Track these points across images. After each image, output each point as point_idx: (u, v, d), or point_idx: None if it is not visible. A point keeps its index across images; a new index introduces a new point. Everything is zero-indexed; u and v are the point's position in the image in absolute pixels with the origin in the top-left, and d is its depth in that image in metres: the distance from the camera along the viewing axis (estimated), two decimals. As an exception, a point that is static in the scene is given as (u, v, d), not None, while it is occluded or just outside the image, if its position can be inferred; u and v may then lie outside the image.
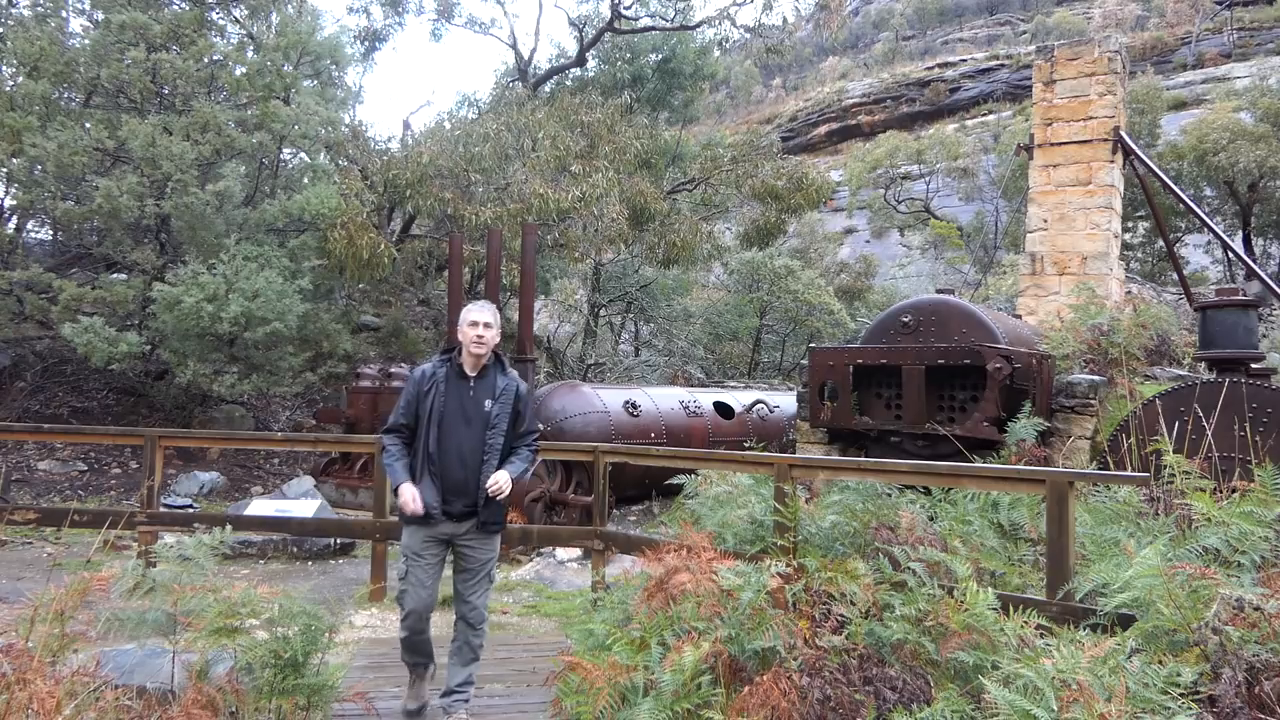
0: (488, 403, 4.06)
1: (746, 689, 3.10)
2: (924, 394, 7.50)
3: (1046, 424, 7.40)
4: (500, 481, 3.97)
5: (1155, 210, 14.41)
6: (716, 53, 24.72)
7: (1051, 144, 12.25)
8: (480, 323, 4.04)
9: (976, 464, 5.79)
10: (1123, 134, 11.95)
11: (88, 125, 11.88)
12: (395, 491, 4.04)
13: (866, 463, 5.33)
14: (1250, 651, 2.83)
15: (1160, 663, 2.78)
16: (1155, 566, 3.21)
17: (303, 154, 14.45)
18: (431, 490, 3.97)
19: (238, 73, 12.65)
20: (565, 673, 3.69)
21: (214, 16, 13.51)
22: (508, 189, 14.77)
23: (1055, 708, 2.51)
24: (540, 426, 10.19)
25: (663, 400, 11.72)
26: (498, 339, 4.11)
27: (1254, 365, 7.86)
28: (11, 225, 13.68)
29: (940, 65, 53.59)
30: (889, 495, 5.28)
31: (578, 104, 17.72)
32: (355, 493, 10.72)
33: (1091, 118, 12.00)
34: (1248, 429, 6.17)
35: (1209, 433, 5.93)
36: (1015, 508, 5.41)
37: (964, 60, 53.27)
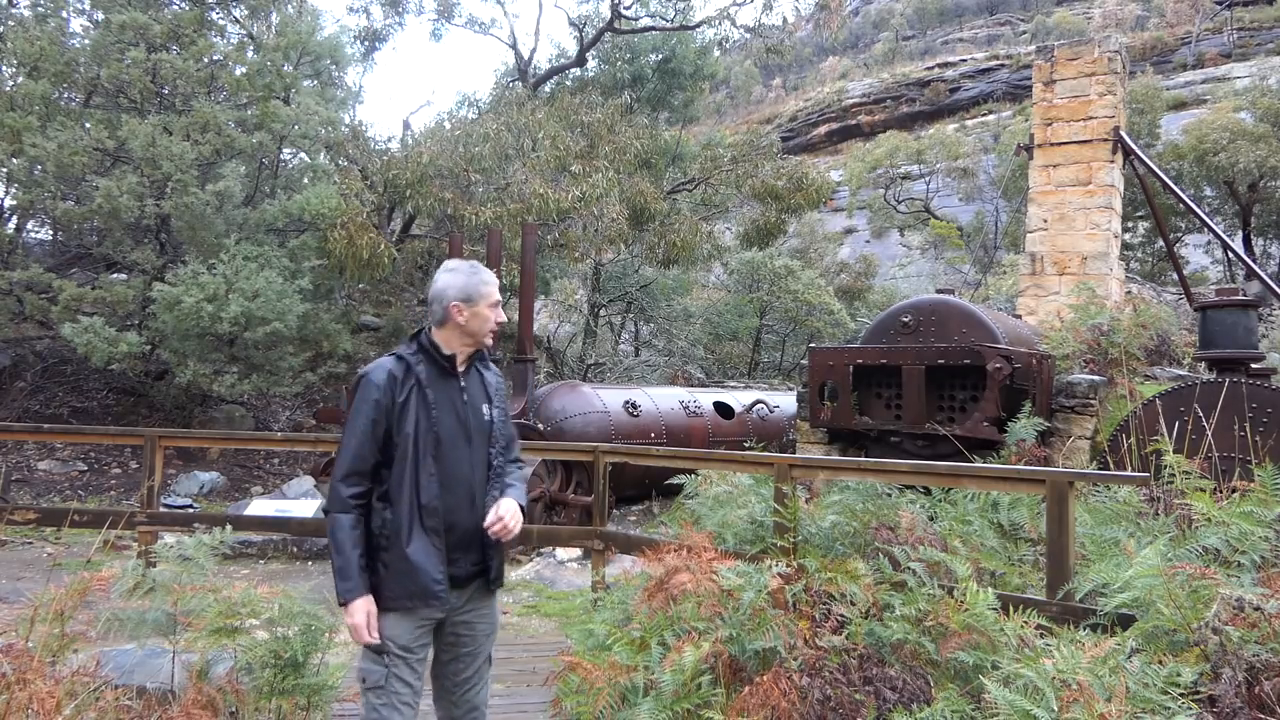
0: (485, 407, 2.86)
1: (746, 689, 3.10)
2: (924, 394, 7.51)
3: (1046, 424, 7.41)
4: (507, 515, 2.73)
5: (1155, 210, 14.41)
6: (716, 53, 24.70)
7: (1051, 144, 12.25)
8: (499, 302, 2.86)
9: (976, 464, 5.78)
10: (1123, 134, 11.95)
11: (88, 125, 11.89)
12: (343, 606, 2.62)
13: (866, 463, 5.33)
14: (1250, 651, 2.83)
15: (1160, 663, 2.78)
16: (1155, 566, 3.21)
17: (303, 154, 14.46)
18: (433, 556, 2.67)
19: (238, 73, 12.66)
20: (565, 673, 3.70)
21: (214, 16, 13.52)
22: (508, 189, 14.76)
23: (1055, 708, 2.51)
24: (538, 427, 10.28)
25: (663, 400, 11.72)
26: None
27: (1254, 365, 7.88)
28: (11, 225, 13.69)
29: (940, 65, 53.55)
30: (889, 495, 5.28)
31: (578, 104, 17.72)
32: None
33: (1091, 118, 12.00)
34: (1248, 429, 6.18)
35: (1209, 433, 5.93)
36: (1015, 508, 5.41)
37: (964, 60, 53.22)
